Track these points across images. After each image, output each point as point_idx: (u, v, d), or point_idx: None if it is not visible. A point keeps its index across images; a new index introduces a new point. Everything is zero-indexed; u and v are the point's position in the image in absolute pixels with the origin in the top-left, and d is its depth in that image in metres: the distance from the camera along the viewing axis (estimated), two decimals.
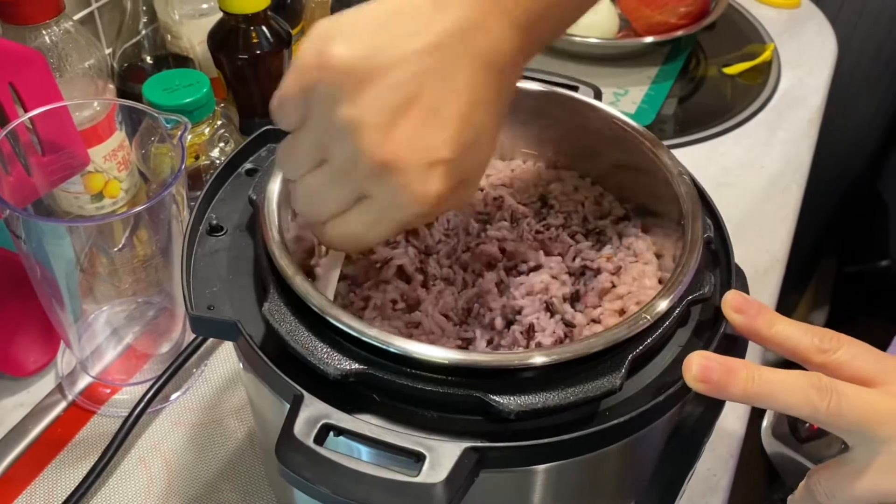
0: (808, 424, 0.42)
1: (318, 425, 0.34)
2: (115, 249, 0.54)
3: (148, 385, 0.58)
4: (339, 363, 0.35)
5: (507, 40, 0.37)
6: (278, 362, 0.37)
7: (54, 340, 0.62)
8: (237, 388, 0.62)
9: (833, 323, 1.47)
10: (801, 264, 0.77)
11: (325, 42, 0.35)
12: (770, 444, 0.42)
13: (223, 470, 0.56)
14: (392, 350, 0.35)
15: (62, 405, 0.60)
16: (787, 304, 0.71)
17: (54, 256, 0.51)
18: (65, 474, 0.56)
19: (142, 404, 0.57)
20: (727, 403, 0.39)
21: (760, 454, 0.47)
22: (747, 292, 0.41)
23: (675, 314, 0.38)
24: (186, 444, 0.58)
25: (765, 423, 0.43)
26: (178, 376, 0.59)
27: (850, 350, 0.38)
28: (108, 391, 0.60)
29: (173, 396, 0.61)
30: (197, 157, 0.61)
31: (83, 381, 0.61)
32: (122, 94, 0.67)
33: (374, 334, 0.35)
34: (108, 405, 0.60)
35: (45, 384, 0.62)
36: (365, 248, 0.45)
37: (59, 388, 0.61)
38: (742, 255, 0.43)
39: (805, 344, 0.38)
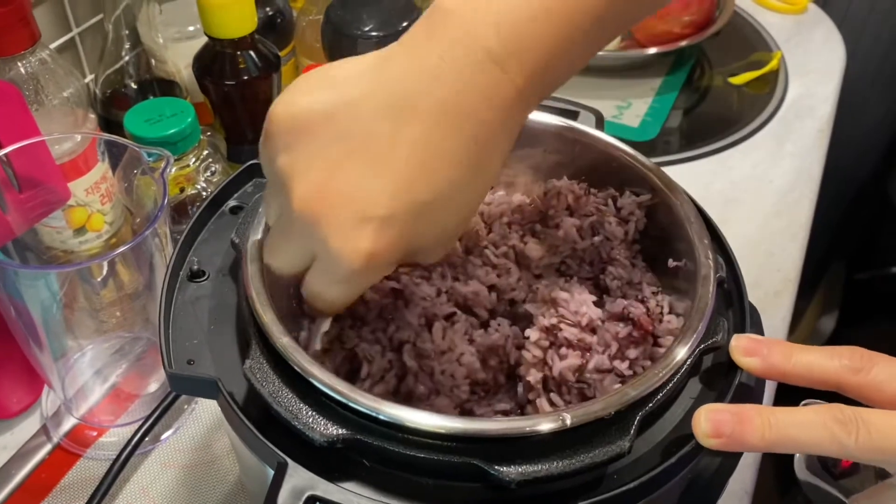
0: (839, 461, 0.40)
1: (304, 497, 0.31)
2: (99, 280, 0.52)
3: (136, 426, 0.55)
4: (325, 428, 0.33)
5: (493, 86, 0.33)
6: (261, 425, 0.34)
7: (39, 379, 0.60)
8: None
9: (842, 329, 1.44)
10: (809, 270, 0.74)
11: (284, 94, 0.34)
12: (804, 474, 0.40)
13: None
14: (381, 417, 0.32)
15: (47, 448, 0.58)
16: (794, 311, 0.68)
17: (29, 296, 0.49)
18: None
19: (130, 446, 0.54)
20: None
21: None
22: (762, 334, 0.39)
23: (686, 366, 0.35)
24: (177, 487, 0.56)
25: (797, 455, 0.40)
26: (168, 415, 0.57)
27: (886, 368, 0.34)
28: (95, 433, 0.58)
29: (164, 436, 0.58)
30: (182, 190, 0.59)
31: (68, 423, 0.59)
32: (105, 122, 0.65)
33: (360, 399, 0.33)
34: (95, 448, 0.58)
35: (30, 425, 0.59)
36: (337, 308, 0.40)
37: (45, 430, 0.59)
38: (752, 278, 0.41)
39: (834, 367, 0.34)
